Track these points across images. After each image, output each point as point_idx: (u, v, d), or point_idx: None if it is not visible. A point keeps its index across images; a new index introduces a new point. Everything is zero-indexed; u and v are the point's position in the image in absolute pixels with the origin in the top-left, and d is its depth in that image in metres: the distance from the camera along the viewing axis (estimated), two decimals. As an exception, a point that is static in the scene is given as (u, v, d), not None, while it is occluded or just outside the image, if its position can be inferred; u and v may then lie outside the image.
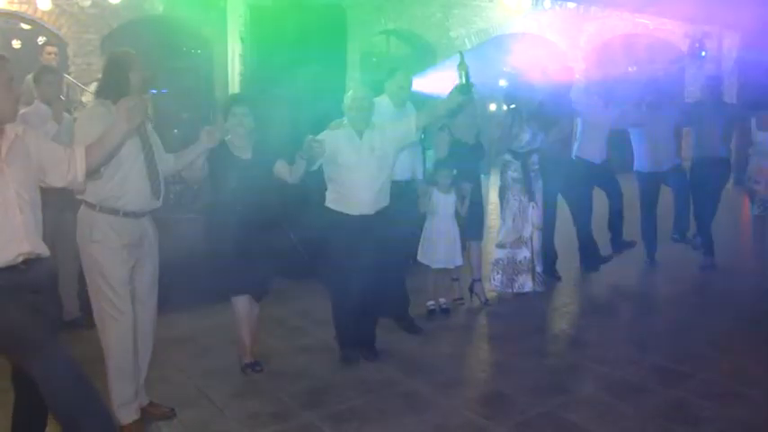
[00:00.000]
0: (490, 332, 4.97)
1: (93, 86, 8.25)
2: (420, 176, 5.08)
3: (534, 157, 5.58)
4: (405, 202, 4.67)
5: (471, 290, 5.52)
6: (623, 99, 6.53)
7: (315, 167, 4.06)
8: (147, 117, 3.47)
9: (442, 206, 5.07)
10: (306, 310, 5.26)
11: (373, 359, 4.27)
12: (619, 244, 6.58)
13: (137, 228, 3.31)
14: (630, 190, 6.73)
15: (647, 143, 6.51)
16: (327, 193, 4.26)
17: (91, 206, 3.22)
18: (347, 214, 4.16)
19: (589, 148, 6.35)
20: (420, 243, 5.16)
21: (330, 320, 4.54)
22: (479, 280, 5.53)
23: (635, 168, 6.71)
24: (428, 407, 3.67)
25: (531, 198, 5.52)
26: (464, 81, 3.87)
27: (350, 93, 4.25)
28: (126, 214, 3.24)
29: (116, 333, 3.26)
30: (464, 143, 5.23)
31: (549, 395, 3.78)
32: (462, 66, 3.95)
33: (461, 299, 5.47)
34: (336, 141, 4.08)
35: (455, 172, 5.08)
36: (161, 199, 3.42)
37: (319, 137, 3.97)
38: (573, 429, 3.40)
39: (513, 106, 5.66)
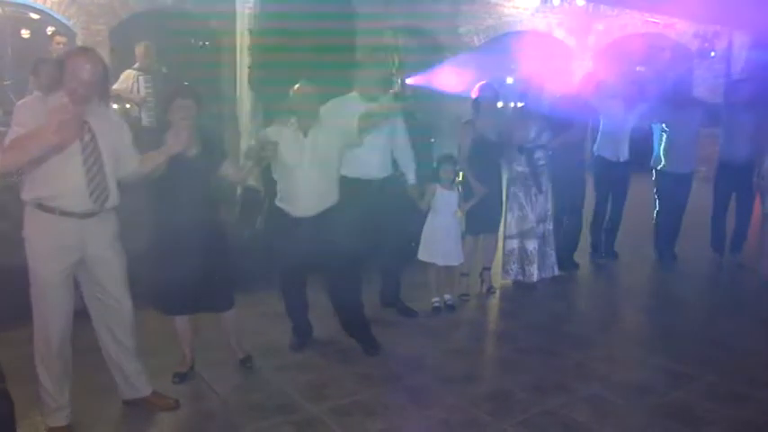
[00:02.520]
0: (495, 329, 4.96)
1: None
2: (412, 178, 4.91)
3: (540, 153, 5.73)
4: (383, 198, 4.59)
5: (481, 277, 5.66)
6: (648, 97, 6.56)
7: (261, 167, 3.97)
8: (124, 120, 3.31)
9: (445, 203, 5.05)
10: (309, 304, 5.25)
11: (374, 353, 4.25)
12: (609, 252, 6.74)
13: (78, 228, 3.11)
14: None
15: (668, 142, 6.52)
16: (277, 191, 4.17)
17: (29, 203, 3.10)
18: (290, 215, 4.08)
19: (608, 147, 6.47)
20: (421, 241, 5.13)
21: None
22: (489, 269, 5.71)
23: (652, 164, 6.71)
24: (432, 402, 3.67)
25: (534, 191, 5.71)
26: (399, 88, 3.81)
27: (296, 87, 4.06)
28: (64, 214, 3.07)
29: (36, 335, 3.17)
30: (487, 138, 5.33)
31: (553, 393, 3.78)
32: (399, 72, 3.88)
33: (467, 294, 5.49)
34: (281, 139, 3.94)
35: (457, 167, 5.13)
36: (105, 204, 3.16)
37: (268, 133, 3.90)
38: (576, 428, 3.40)
39: (521, 104, 5.79)
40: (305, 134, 4.01)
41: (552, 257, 5.98)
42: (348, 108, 4.33)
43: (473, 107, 5.46)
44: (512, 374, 4.06)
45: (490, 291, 5.63)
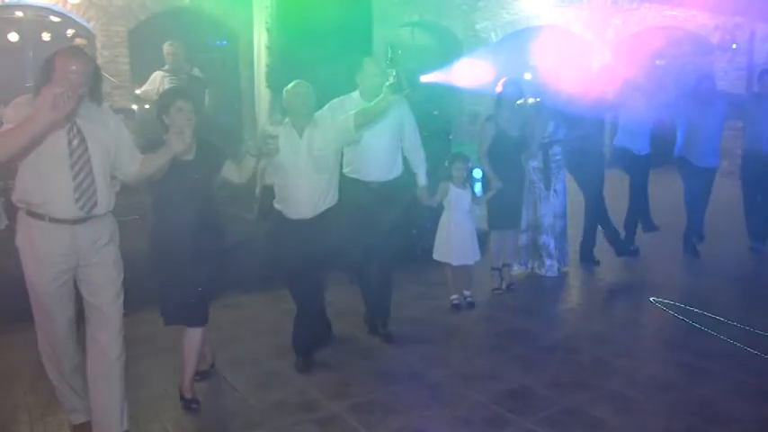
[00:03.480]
0: (515, 326, 4.92)
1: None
2: (423, 179, 4.69)
3: (556, 149, 5.83)
4: (385, 202, 4.39)
5: (501, 273, 5.67)
6: (667, 90, 6.52)
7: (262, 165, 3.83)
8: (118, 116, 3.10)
9: (458, 201, 4.99)
10: (328, 301, 5.25)
11: (302, 371, 4.00)
12: (629, 244, 6.70)
13: (70, 235, 2.95)
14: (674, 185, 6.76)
15: (691, 137, 6.47)
16: (275, 193, 4.06)
17: (21, 210, 2.98)
18: (288, 218, 3.96)
19: (629, 138, 6.46)
20: (436, 240, 5.09)
21: (353, 311, 4.57)
22: (509, 265, 5.74)
23: (675, 154, 6.65)
24: (453, 400, 3.67)
25: (549, 187, 5.83)
26: (395, 80, 3.72)
27: (290, 86, 3.96)
28: (53, 220, 2.91)
29: (41, 347, 3.12)
30: (509, 135, 5.35)
31: (575, 390, 3.75)
32: (394, 64, 3.79)
33: (500, 288, 5.56)
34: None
35: (470, 165, 5.12)
36: (93, 211, 2.96)
37: (269, 131, 3.79)
38: (598, 425, 3.37)
39: (537, 99, 5.81)
40: (300, 135, 3.91)
41: (567, 253, 6.08)
42: (347, 107, 4.20)
43: (495, 103, 5.47)
44: (533, 371, 4.03)
45: (510, 287, 5.62)
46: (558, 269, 5.98)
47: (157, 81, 7.19)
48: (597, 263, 6.36)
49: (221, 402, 3.67)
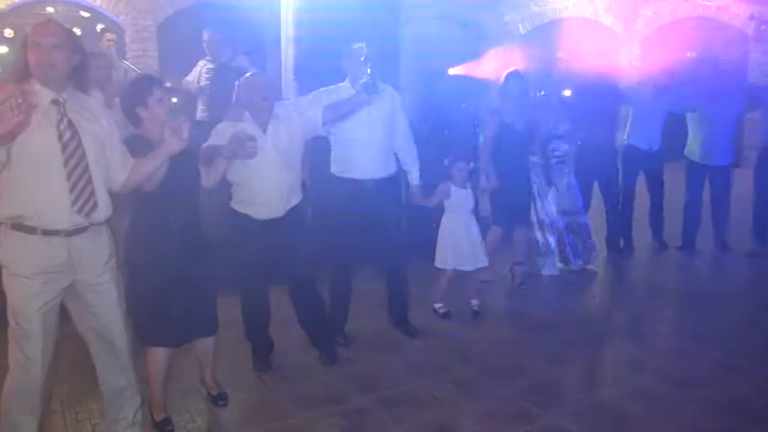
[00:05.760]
0: (541, 320, 4.87)
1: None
2: (415, 178, 4.45)
3: (556, 143, 5.69)
4: (376, 202, 4.19)
5: (512, 272, 5.57)
6: (683, 83, 6.37)
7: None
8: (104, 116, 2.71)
9: (461, 203, 4.72)
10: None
11: (329, 364, 4.02)
12: (658, 241, 6.64)
13: (65, 249, 2.58)
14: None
15: (702, 133, 6.32)
16: (233, 193, 3.78)
17: (4, 222, 2.58)
18: (255, 219, 3.70)
19: (639, 134, 6.33)
20: (437, 246, 4.76)
21: (380, 305, 4.56)
22: (520, 263, 5.59)
23: (685, 154, 6.53)
24: (480, 394, 3.65)
25: (551, 183, 5.69)
26: (369, 80, 3.59)
27: (247, 77, 3.74)
28: (47, 233, 2.53)
29: (15, 381, 2.66)
30: (513, 129, 5.23)
31: (604, 386, 3.73)
32: (368, 62, 3.67)
33: (489, 281, 5.33)
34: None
35: (471, 165, 4.88)
36: (92, 215, 2.60)
37: (219, 129, 3.55)
38: (628, 422, 3.34)
39: (542, 93, 5.76)
40: (263, 130, 3.64)
41: (581, 248, 5.89)
42: (335, 97, 3.98)
43: (499, 95, 5.34)
44: (560, 366, 4.00)
45: (521, 286, 5.49)
46: (550, 270, 5.80)
47: (197, 70, 6.88)
48: (623, 256, 6.29)
49: (249, 395, 3.69)
